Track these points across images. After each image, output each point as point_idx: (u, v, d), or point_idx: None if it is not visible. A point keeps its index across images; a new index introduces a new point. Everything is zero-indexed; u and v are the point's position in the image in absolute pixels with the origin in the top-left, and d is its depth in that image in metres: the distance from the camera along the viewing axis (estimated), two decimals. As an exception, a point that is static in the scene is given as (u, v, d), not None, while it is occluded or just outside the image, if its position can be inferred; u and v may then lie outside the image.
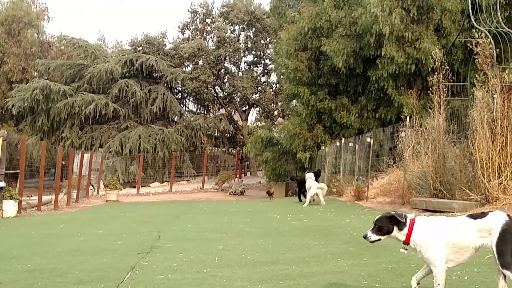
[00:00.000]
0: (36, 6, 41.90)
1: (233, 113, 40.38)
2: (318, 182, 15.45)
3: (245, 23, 38.31)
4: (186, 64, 38.22)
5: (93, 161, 26.06)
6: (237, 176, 31.13)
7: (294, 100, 24.46)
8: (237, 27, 39.43)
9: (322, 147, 21.45)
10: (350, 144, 18.39)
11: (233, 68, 40.15)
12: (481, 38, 10.67)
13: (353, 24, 18.79)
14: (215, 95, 39.41)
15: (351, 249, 6.78)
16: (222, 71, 39.09)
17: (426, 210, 10.64)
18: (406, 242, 4.23)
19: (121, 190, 23.74)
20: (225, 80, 39.62)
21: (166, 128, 34.64)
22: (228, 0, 38.93)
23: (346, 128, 20.31)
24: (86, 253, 7.35)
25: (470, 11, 13.46)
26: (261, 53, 39.43)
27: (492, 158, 9.69)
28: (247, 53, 39.66)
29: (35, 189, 24.22)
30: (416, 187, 12.06)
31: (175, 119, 37.77)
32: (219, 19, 39.34)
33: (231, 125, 39.00)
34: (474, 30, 12.77)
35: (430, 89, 11.92)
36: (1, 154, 14.54)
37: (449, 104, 12.84)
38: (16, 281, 5.55)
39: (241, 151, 34.92)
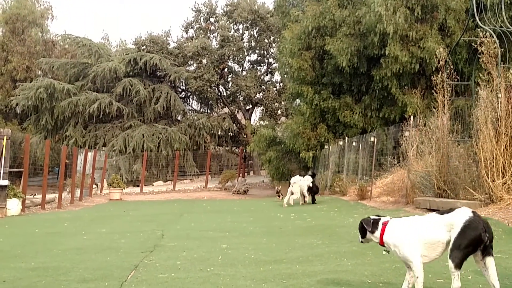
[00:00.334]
0: (40, 4, 42.04)
1: (236, 112, 40.38)
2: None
3: (249, 22, 38.30)
4: (189, 63, 38.24)
5: (96, 160, 26.09)
6: (240, 175, 31.14)
7: (297, 99, 24.43)
8: (240, 26, 39.44)
9: (326, 147, 21.43)
10: (354, 144, 18.36)
11: (236, 67, 40.16)
12: (486, 37, 10.62)
13: (357, 23, 18.76)
14: (219, 94, 39.42)
15: (355, 249, 6.77)
16: (226, 70, 39.09)
17: (430, 210, 10.60)
18: (380, 243, 4.47)
19: (124, 188, 23.76)
20: (229, 79, 39.63)
21: (169, 127, 34.67)
22: (231, -1, 38.98)
23: (350, 127, 20.28)
24: (89, 251, 7.37)
25: (475, 10, 13.44)
26: (265, 52, 39.43)
27: (496, 158, 9.65)
28: (250, 52, 39.66)
29: (38, 187, 24.32)
30: (420, 187, 12.03)
31: (179, 118, 37.79)
32: (222, 18, 39.34)
33: (234, 124, 39.00)
34: (478, 30, 12.75)
35: (434, 88, 11.88)
36: (5, 152, 14.57)
37: (453, 104, 12.80)
38: (20, 279, 5.57)
39: (244, 150, 34.93)
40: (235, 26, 39.38)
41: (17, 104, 35.32)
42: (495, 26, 12.65)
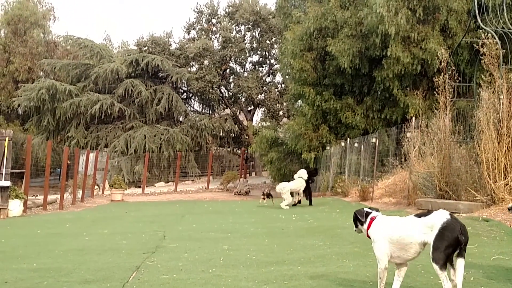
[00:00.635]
0: (42, 5, 42.03)
1: (238, 113, 40.37)
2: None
3: (251, 23, 38.31)
4: (191, 64, 38.24)
5: (98, 161, 26.12)
6: (242, 176, 31.13)
7: (299, 100, 24.40)
8: (242, 27, 39.43)
9: (327, 148, 21.42)
10: (356, 145, 18.35)
11: (238, 68, 40.16)
12: (488, 38, 10.62)
13: (359, 24, 18.75)
14: (220, 95, 39.42)
15: (356, 250, 6.77)
16: (228, 71, 39.08)
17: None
18: (367, 236, 4.65)
19: (126, 189, 23.78)
20: (231, 80, 39.63)
21: (171, 128, 34.68)
22: (233, 0, 38.94)
23: (352, 128, 20.26)
24: (91, 252, 7.37)
25: (477, 11, 13.43)
26: (267, 53, 39.41)
27: (498, 159, 9.65)
28: (252, 53, 39.65)
29: (40, 188, 24.30)
30: (422, 188, 12.02)
31: (181, 119, 37.79)
32: (224, 19, 39.34)
33: (236, 125, 38.99)
34: (480, 31, 12.72)
35: (436, 89, 11.87)
36: (7, 153, 14.59)
37: (455, 105, 12.79)
38: (22, 280, 5.57)
39: (246, 151, 34.92)
40: (237, 27, 39.39)
41: (19, 105, 35.35)
42: (497, 27, 12.64)
